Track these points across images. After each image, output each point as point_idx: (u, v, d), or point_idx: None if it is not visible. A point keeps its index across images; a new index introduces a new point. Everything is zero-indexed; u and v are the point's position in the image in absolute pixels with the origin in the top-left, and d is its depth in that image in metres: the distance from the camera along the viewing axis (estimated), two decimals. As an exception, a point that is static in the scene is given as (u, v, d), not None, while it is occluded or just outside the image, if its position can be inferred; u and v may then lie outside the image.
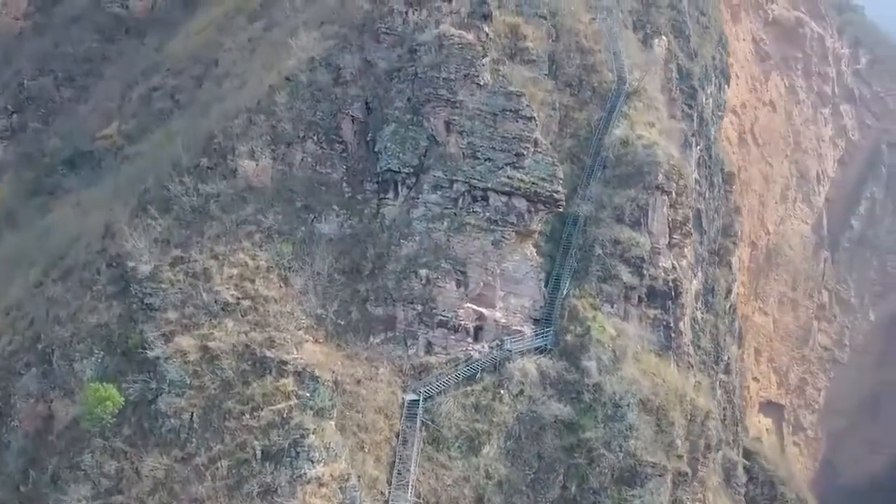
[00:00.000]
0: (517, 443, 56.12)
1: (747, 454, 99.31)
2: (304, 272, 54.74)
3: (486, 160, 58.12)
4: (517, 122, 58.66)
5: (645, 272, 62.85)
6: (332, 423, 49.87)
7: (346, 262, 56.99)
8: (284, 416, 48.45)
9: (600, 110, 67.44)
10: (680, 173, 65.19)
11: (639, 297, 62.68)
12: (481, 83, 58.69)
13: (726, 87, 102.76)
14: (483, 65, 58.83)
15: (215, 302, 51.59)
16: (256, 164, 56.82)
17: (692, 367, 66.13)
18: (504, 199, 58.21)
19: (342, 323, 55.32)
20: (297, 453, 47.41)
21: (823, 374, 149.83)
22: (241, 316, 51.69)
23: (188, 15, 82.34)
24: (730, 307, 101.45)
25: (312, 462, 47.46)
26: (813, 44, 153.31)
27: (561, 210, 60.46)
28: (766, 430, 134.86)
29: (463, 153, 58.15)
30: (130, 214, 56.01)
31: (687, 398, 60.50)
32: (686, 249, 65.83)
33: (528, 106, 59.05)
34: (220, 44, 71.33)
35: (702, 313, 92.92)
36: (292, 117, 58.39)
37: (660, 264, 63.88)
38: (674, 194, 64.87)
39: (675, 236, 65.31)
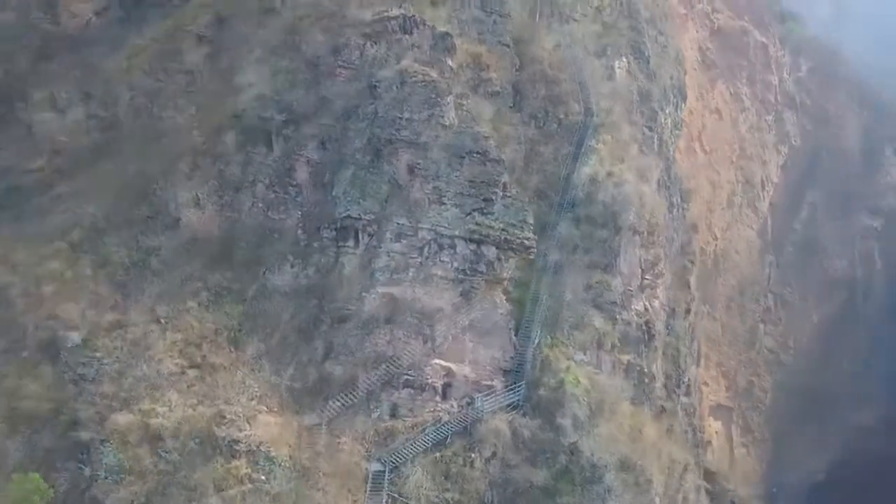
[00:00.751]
0: (490, 510, 50.97)
1: (708, 476, 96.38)
2: (255, 334, 48.65)
3: (453, 206, 52.59)
4: (485, 164, 53.24)
5: (618, 317, 58.06)
6: (292, 507, 44.06)
7: (303, 318, 51.07)
8: (238, 504, 42.52)
9: (567, 144, 62.24)
10: (652, 212, 60.41)
11: (612, 343, 57.83)
12: (446, 123, 53.09)
13: (683, 105, 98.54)
14: (447, 103, 53.24)
15: (157, 373, 45.36)
16: (202, 213, 50.47)
17: (665, 410, 61.66)
18: (473, 247, 52.75)
19: (298, 387, 49.43)
20: (254, 548, 41.58)
21: (769, 376, 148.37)
22: (187, 388, 45.60)
23: (127, 33, 74.64)
24: (689, 326, 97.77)
25: (271, 557, 41.66)
26: (757, 52, 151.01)
27: (532, 256, 55.17)
28: (717, 433, 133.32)
29: (428, 199, 52.54)
30: (61, 268, 49.27)
31: (665, 452, 55.92)
32: (658, 290, 61.26)
33: (495, 147, 53.62)
34: (163, 69, 64.16)
35: (664, 337, 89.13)
36: (241, 160, 52.08)
37: (632, 307, 59.17)
38: (645, 234, 60.13)
39: (647, 277, 60.62)
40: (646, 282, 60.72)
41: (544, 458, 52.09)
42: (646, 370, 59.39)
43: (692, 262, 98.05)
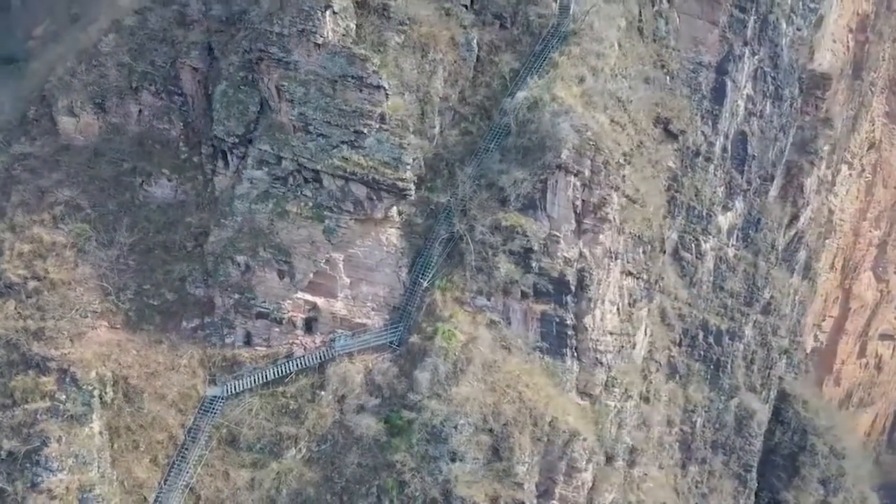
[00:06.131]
0: (333, 447, 48.94)
1: (783, 396, 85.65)
2: (110, 249, 48.09)
3: (318, 136, 46.56)
4: (360, 91, 45.92)
5: (534, 262, 49.98)
6: (94, 426, 45.15)
7: (172, 235, 49.51)
8: (34, 418, 44.31)
9: (526, 55, 51.65)
10: (597, 148, 49.15)
11: (522, 291, 50.35)
12: (320, 41, 45.80)
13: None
14: (321, 19, 45.51)
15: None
16: (77, 120, 49.15)
17: (601, 364, 53.41)
18: (340, 182, 47.00)
19: (155, 304, 48.89)
20: (37, 461, 43.61)
21: None
22: (26, 298, 46.72)
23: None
24: (795, 235, 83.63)
25: (51, 471, 43.59)
26: None
27: (410, 197, 48.35)
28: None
29: (293, 125, 46.84)
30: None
31: (549, 416, 49.10)
32: (602, 235, 50.96)
33: (374, 72, 45.73)
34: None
35: (736, 250, 77.15)
36: (125, 63, 49.35)
37: (559, 254, 50.44)
38: (587, 173, 49.57)
39: (586, 221, 50.57)
40: (585, 226, 50.85)
41: (391, 410, 48.41)
42: (569, 322, 51.20)
43: (812, 163, 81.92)
